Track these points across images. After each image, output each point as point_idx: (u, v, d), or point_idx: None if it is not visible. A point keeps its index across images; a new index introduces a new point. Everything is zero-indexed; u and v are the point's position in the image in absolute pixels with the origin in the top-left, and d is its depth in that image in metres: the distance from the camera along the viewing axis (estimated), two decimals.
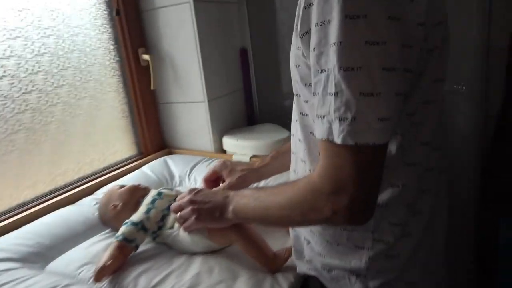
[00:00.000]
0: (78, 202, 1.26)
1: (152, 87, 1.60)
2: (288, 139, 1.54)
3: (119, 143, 1.55)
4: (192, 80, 1.57)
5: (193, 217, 0.86)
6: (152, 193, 1.07)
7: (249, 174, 1.05)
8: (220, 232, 0.89)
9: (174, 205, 0.91)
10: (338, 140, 0.51)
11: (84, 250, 1.01)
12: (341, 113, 0.50)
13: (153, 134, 1.67)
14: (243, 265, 0.89)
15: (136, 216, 1.00)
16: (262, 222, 0.76)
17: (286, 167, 0.86)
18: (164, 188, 1.10)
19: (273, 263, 0.88)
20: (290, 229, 0.83)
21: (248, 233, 0.89)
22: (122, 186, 1.12)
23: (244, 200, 0.76)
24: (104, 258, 0.89)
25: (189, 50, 1.52)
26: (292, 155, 0.78)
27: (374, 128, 0.50)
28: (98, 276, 0.85)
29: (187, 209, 0.87)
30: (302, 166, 0.73)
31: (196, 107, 1.60)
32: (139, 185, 1.14)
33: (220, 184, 1.08)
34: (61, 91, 1.31)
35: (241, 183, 1.03)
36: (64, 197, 1.27)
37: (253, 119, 1.80)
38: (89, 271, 0.91)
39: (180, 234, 0.95)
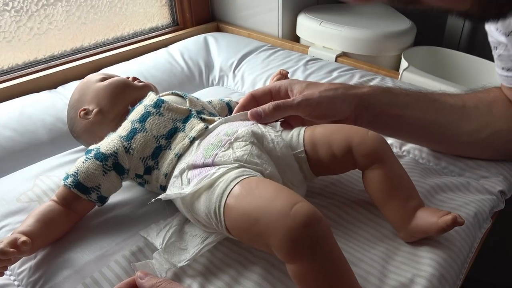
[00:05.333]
0: (59, 88, 0.82)
1: None
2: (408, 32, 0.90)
3: (142, 1, 1.03)
4: None
5: None
6: (147, 100, 0.57)
7: (342, 98, 0.54)
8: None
9: None
10: None
11: (27, 182, 0.58)
12: None
13: None
14: None
15: (107, 142, 0.53)
16: None
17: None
18: (172, 94, 0.60)
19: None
20: None
21: None
22: (105, 78, 0.64)
23: None
24: (23, 226, 0.46)
25: None
26: None
27: None
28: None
29: None
30: None
31: None
32: (134, 80, 0.65)
33: (278, 124, 0.56)
34: None
35: (323, 111, 0.53)
36: (42, 76, 0.83)
37: None
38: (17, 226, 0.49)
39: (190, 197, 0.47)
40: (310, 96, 0.53)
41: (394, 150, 0.64)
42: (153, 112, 0.54)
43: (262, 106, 0.53)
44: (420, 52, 0.90)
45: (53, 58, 0.89)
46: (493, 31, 0.53)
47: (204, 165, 0.47)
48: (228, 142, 0.48)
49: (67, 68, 0.86)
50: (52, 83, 0.82)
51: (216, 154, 0.47)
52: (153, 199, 0.47)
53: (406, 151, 0.63)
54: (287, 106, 0.53)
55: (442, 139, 0.58)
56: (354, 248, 0.46)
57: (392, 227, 0.48)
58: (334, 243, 0.38)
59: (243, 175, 0.43)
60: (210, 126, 0.53)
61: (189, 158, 0.50)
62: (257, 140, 0.49)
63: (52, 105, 0.75)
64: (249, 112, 0.53)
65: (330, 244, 0.38)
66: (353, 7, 1.03)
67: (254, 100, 0.57)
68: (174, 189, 0.48)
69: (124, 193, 0.55)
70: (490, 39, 0.55)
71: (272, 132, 0.52)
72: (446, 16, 1.02)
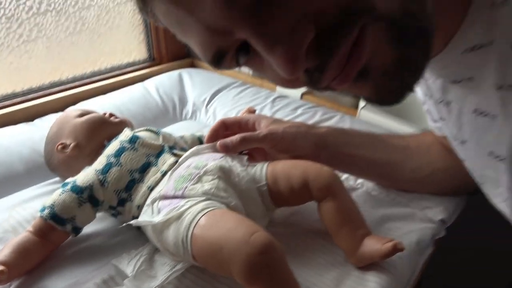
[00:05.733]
0: (36, 121, 0.85)
1: None
2: None
3: (121, 39, 1.08)
4: None
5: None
6: (123, 136, 0.62)
7: (303, 135, 0.60)
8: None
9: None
10: None
11: (3, 213, 0.61)
12: None
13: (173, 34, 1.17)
14: None
15: (83, 176, 0.57)
16: None
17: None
18: (146, 130, 0.64)
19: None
20: None
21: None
22: (83, 114, 0.68)
23: None
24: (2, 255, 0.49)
25: None
26: None
27: None
28: None
29: None
30: None
31: None
32: (110, 116, 0.69)
33: (245, 158, 0.61)
34: None
35: (286, 145, 0.59)
36: (19, 109, 0.86)
37: None
38: None
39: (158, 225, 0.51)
40: (275, 130, 0.58)
41: (350, 182, 0.70)
42: (128, 148, 0.59)
43: (230, 138, 0.58)
44: None
45: (31, 91, 0.93)
46: (418, 92, 0.61)
47: (174, 197, 0.51)
48: (197, 175, 0.53)
49: (44, 102, 0.90)
50: (29, 115, 0.86)
51: (186, 187, 0.52)
52: (124, 224, 0.51)
53: (360, 183, 0.69)
54: (253, 138, 0.58)
55: (390, 176, 0.65)
56: (309, 273, 0.51)
57: (344, 254, 0.54)
58: (288, 269, 0.43)
59: (209, 208, 0.48)
60: (181, 158, 0.57)
61: (161, 187, 0.54)
62: (224, 174, 0.54)
63: (29, 137, 0.78)
64: (218, 143, 0.58)
65: (284, 270, 0.42)
66: None
67: (224, 126, 0.62)
68: (145, 217, 0.52)
69: (97, 224, 0.59)
70: (418, 95, 0.63)
71: (238, 167, 0.57)
72: None
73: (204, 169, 0.54)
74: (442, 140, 0.61)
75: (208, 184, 0.52)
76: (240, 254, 0.41)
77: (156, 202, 0.52)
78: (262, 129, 0.60)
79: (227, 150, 0.58)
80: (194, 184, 0.52)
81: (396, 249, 0.49)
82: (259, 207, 0.55)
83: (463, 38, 0.36)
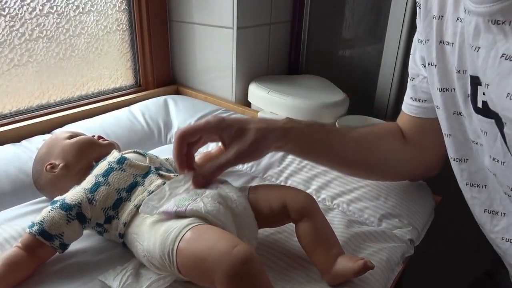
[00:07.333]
0: (23, 142, 0.87)
1: None
2: (342, 103, 1.05)
3: (108, 65, 1.13)
4: None
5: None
6: (111, 157, 0.65)
7: (267, 138, 0.61)
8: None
9: None
10: None
11: None
12: None
13: (159, 61, 1.22)
14: None
15: (72, 194, 0.59)
16: None
17: None
18: (133, 152, 0.68)
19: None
20: None
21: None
22: (72, 136, 0.71)
23: None
24: None
25: None
26: None
27: None
28: None
29: None
30: None
31: (218, 34, 1.13)
32: (99, 138, 0.72)
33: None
34: None
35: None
36: (7, 130, 0.88)
37: (296, 66, 1.31)
38: None
39: (144, 242, 0.54)
40: (242, 148, 0.57)
41: (326, 203, 0.74)
42: (116, 168, 0.62)
43: (202, 171, 0.59)
44: (352, 120, 1.05)
45: (19, 113, 0.95)
46: (418, 62, 0.63)
47: (176, 214, 0.53)
48: (199, 197, 0.56)
49: (32, 123, 0.92)
50: (16, 136, 0.87)
51: (189, 204, 0.54)
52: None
53: (336, 204, 0.74)
54: (227, 163, 0.58)
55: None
56: None
57: (319, 272, 0.57)
58: (267, 279, 0.46)
59: (194, 223, 0.51)
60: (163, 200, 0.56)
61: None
62: (223, 200, 0.56)
63: (16, 157, 0.79)
64: (193, 183, 0.58)
65: (263, 279, 0.46)
66: (297, 80, 1.19)
67: (185, 142, 0.58)
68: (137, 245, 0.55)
69: (83, 242, 0.60)
70: (410, 70, 0.65)
71: (234, 193, 0.58)
72: (375, 89, 1.20)
73: (204, 195, 0.56)
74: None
75: (210, 206, 0.54)
76: (223, 264, 0.44)
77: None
78: (228, 145, 0.59)
79: (206, 184, 0.58)
80: (196, 203, 0.54)
81: (367, 267, 0.53)
82: (253, 232, 0.58)
83: None
